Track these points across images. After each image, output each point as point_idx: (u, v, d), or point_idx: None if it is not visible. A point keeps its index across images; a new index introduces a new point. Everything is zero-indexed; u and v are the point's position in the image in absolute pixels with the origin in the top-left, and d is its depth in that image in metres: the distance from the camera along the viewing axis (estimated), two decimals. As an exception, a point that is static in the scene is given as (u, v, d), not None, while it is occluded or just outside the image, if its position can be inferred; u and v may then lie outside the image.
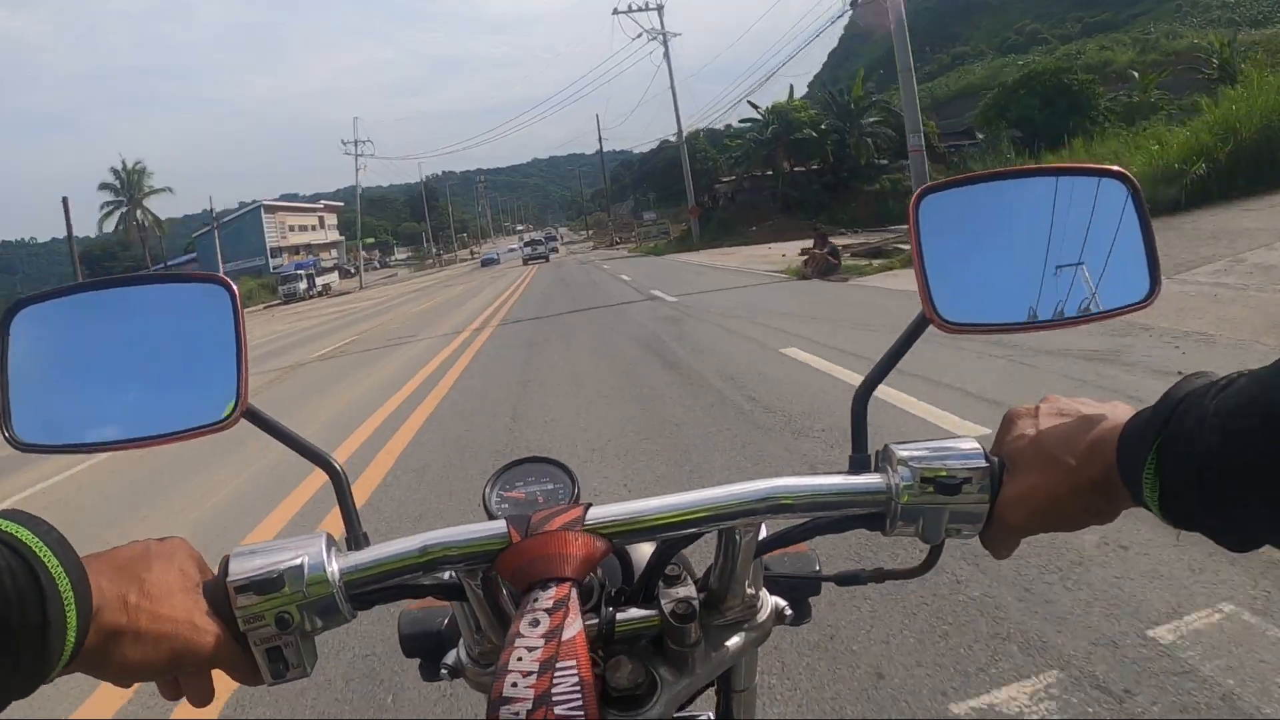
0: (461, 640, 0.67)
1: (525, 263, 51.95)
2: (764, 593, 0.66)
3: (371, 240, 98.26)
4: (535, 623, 0.49)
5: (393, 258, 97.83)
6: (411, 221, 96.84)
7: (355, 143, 54.65)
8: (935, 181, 0.64)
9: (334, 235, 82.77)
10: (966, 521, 0.57)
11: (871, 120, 34.19)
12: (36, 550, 0.44)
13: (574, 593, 0.51)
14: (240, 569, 0.53)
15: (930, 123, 35.53)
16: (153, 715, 2.48)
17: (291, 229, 70.63)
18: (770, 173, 37.58)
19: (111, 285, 0.62)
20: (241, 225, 65.70)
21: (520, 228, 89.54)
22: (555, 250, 66.71)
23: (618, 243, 59.86)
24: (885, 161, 33.71)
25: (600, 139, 68.37)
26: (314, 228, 77.00)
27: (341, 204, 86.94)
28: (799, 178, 35.87)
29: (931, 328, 0.61)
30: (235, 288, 0.61)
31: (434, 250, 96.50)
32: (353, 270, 69.14)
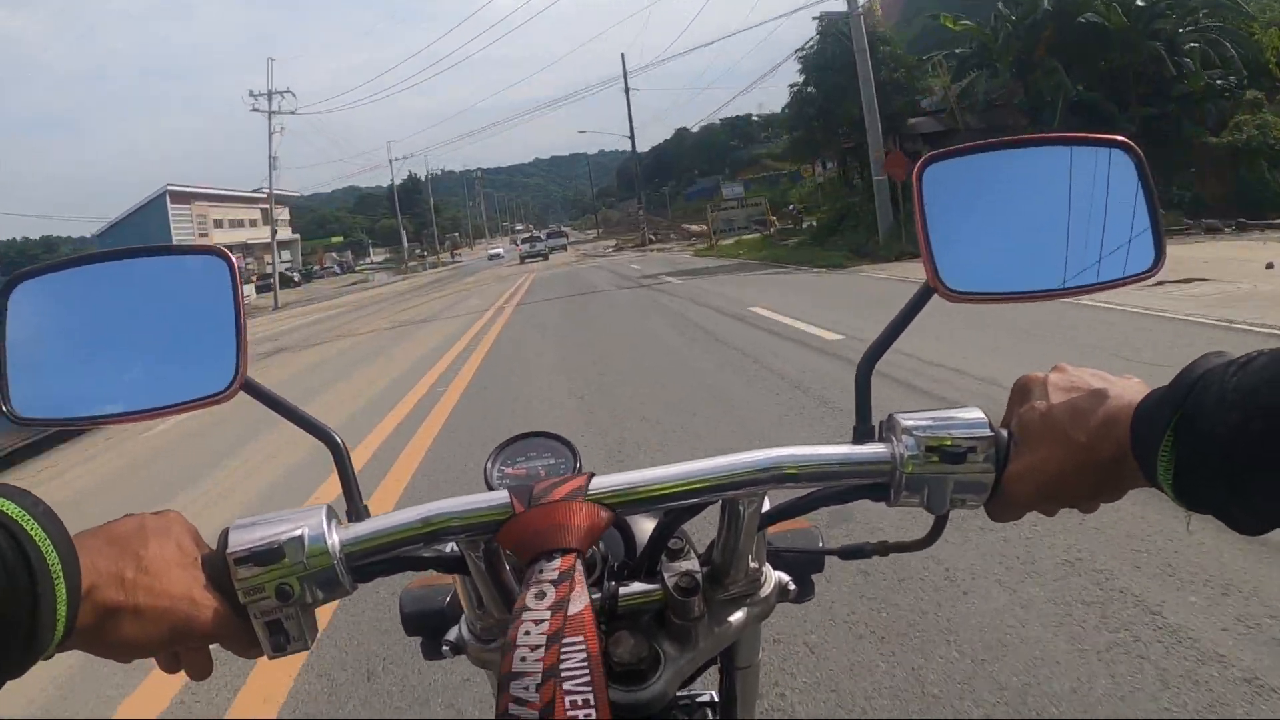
0: (463, 616, 0.66)
1: (523, 261, 43.90)
2: (767, 567, 0.67)
3: (341, 240, 79.88)
4: (541, 595, 0.50)
5: (368, 260, 79.53)
6: (391, 218, 79.18)
7: (269, 95, 35.99)
8: (939, 150, 0.64)
9: (285, 233, 64.47)
10: (972, 491, 0.57)
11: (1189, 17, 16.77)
12: (23, 523, 0.43)
13: (579, 564, 0.52)
14: (240, 541, 0.54)
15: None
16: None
17: (218, 224, 52.48)
18: (1023, 94, 18.00)
19: (109, 258, 0.62)
20: (144, 220, 48.35)
21: (520, 227, 70.01)
22: (564, 249, 54.00)
23: (652, 241, 40.67)
24: (1225, 89, 15.63)
25: (626, 86, 46.65)
26: (254, 223, 58.90)
27: (298, 193, 69.21)
28: (1076, 107, 16.85)
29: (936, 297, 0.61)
30: (233, 260, 0.62)
31: (418, 251, 78.65)
32: (296, 278, 50.88)
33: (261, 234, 60.12)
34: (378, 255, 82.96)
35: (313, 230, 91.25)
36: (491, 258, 61.50)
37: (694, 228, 40.22)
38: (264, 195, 60.42)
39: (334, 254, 78.96)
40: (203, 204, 52.80)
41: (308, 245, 77.86)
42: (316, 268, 67.55)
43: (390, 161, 67.77)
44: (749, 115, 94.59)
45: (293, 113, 36.37)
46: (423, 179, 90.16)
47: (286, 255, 63.38)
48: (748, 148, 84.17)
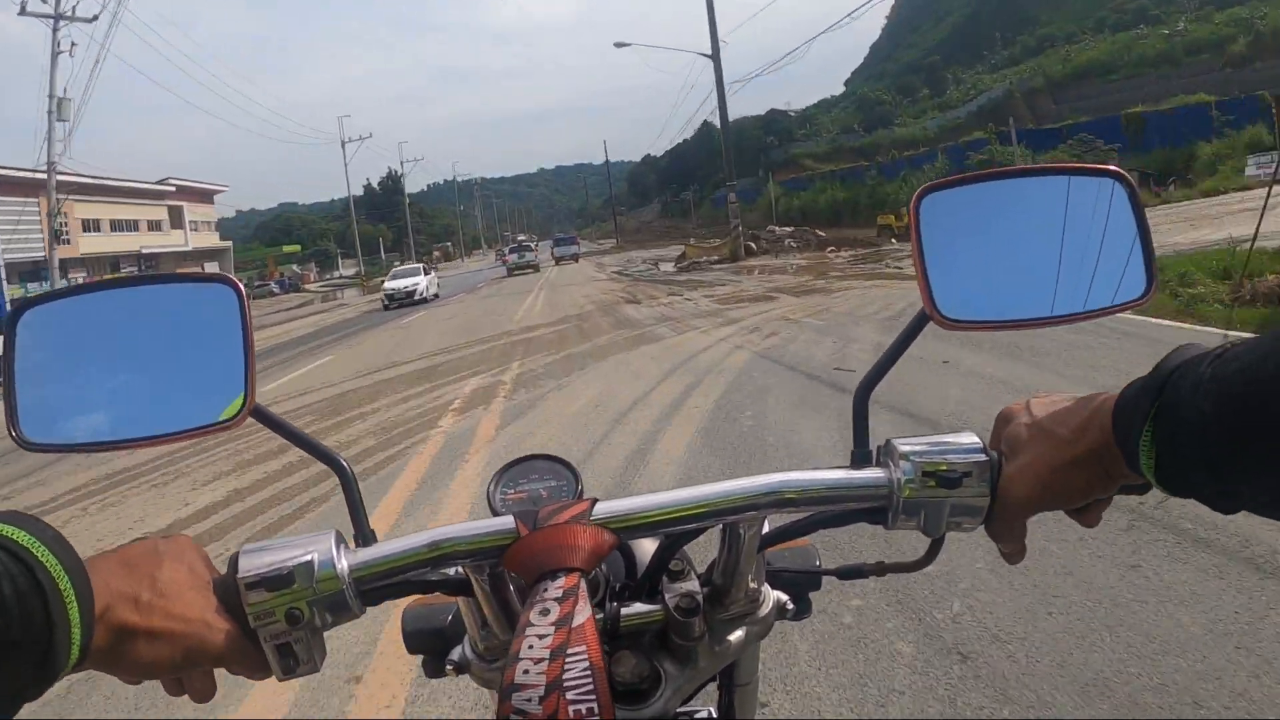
0: (467, 636, 0.68)
1: (509, 274, 37.56)
2: (766, 587, 0.69)
3: (299, 248, 64.72)
4: (545, 611, 0.52)
5: (337, 273, 64.40)
6: (366, 225, 64.06)
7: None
8: (936, 180, 0.67)
9: (211, 239, 49.28)
10: (967, 515, 0.60)
11: None
12: (34, 551, 0.45)
13: (583, 582, 0.54)
14: (250, 565, 0.55)
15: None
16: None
17: (91, 227, 37.14)
18: None
19: (116, 286, 0.64)
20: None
21: (521, 237, 54.69)
22: (574, 259, 43.16)
23: (756, 252, 24.03)
24: None
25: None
26: (159, 226, 43.62)
27: (226, 187, 53.34)
28: None
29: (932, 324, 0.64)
30: (242, 288, 0.64)
31: (396, 263, 63.25)
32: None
33: (169, 240, 45.82)
34: (348, 267, 67.54)
35: (279, 239, 76.67)
36: (391, 302, 25.71)
37: (824, 232, 24.34)
38: (173, 189, 45.66)
39: (295, 266, 63.73)
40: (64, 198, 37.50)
41: (257, 256, 62.61)
42: (259, 283, 52.05)
43: (343, 144, 49.10)
44: (785, 111, 78.67)
45: (92, 19, 20.56)
46: (399, 174, 75.22)
47: (216, 268, 48.28)
48: (784, 146, 68.63)
